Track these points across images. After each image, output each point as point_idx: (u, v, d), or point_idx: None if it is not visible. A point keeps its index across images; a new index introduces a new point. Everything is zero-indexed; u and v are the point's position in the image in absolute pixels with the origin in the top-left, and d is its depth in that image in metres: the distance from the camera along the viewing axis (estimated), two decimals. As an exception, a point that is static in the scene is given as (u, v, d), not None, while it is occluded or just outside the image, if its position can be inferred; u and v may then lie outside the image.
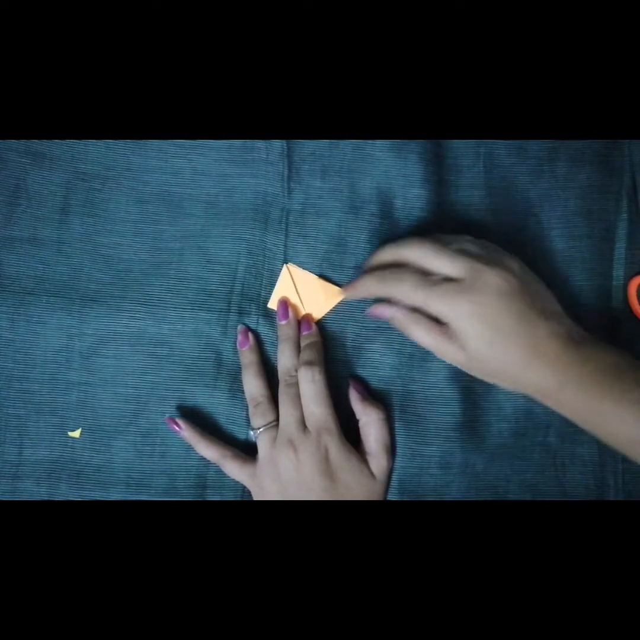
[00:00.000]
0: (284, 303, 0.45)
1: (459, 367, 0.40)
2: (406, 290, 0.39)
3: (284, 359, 0.43)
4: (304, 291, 0.45)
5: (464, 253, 0.39)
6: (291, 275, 0.45)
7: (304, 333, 0.44)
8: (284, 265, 0.45)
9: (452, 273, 0.38)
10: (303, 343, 0.44)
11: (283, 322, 0.44)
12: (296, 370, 0.43)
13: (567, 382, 0.36)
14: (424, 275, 0.39)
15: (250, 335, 0.44)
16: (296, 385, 0.42)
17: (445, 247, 0.39)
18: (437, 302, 0.38)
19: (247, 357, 0.44)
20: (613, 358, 0.37)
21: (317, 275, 0.45)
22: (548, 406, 0.38)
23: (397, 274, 0.40)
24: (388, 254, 0.41)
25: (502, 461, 0.43)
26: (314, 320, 0.45)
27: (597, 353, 0.37)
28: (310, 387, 0.42)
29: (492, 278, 0.37)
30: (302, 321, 0.44)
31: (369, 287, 0.41)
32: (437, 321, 0.39)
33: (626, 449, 0.36)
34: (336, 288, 0.44)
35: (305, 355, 0.43)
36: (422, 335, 0.39)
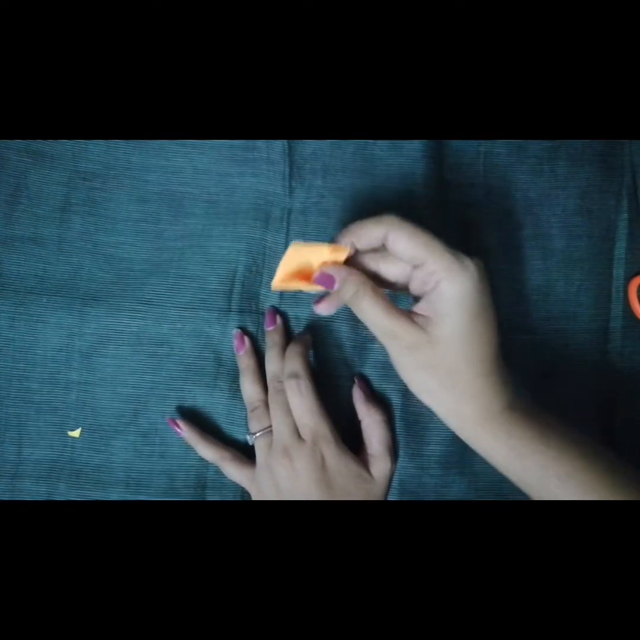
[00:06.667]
0: (272, 310, 0.44)
1: (402, 355, 0.36)
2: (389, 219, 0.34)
3: (272, 366, 0.43)
4: (315, 263, 0.37)
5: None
6: (298, 253, 0.37)
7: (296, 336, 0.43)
8: (291, 243, 0.37)
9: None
10: (288, 350, 0.42)
11: (270, 328, 0.44)
12: None
13: (495, 433, 0.36)
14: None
15: (246, 339, 0.44)
16: (285, 392, 0.42)
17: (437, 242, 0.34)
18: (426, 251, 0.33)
19: (244, 361, 0.44)
20: (544, 419, 0.36)
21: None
22: (467, 441, 0.37)
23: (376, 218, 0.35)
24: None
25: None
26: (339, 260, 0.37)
27: (528, 410, 0.36)
28: (298, 400, 0.40)
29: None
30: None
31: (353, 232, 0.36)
32: None
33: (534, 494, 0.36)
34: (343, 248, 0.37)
35: (289, 366, 0.41)
36: (377, 306, 0.34)
